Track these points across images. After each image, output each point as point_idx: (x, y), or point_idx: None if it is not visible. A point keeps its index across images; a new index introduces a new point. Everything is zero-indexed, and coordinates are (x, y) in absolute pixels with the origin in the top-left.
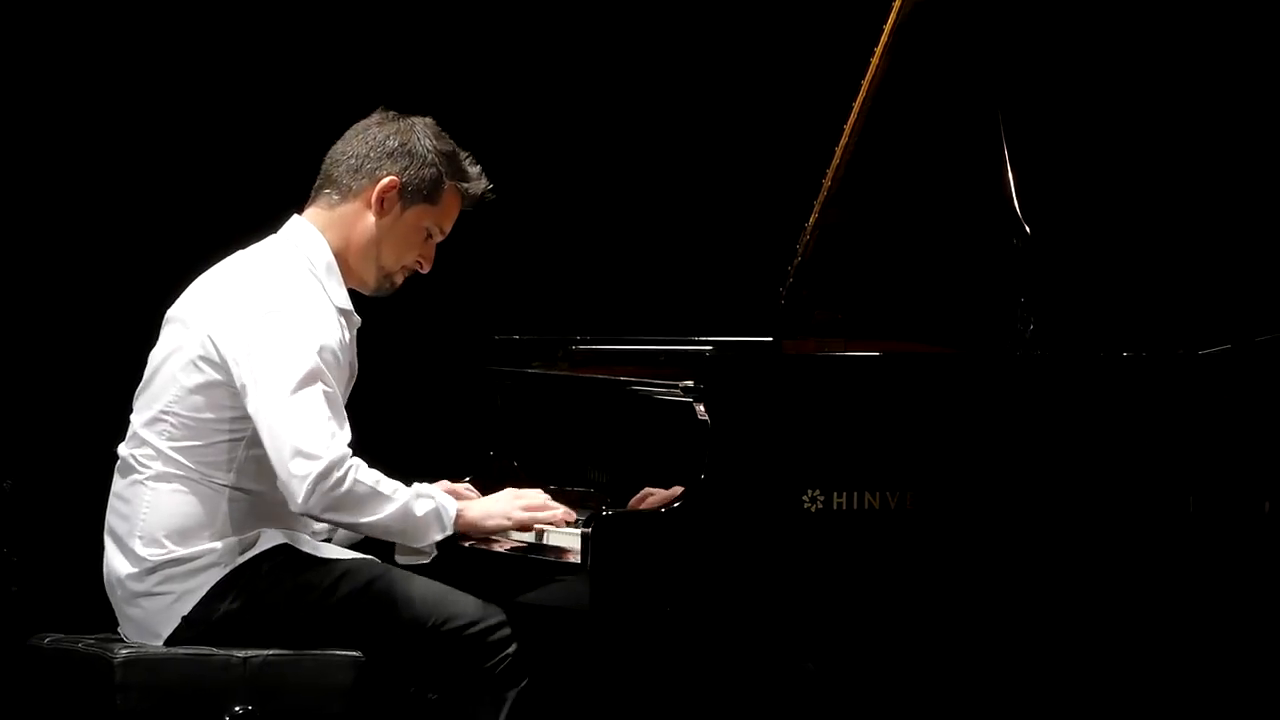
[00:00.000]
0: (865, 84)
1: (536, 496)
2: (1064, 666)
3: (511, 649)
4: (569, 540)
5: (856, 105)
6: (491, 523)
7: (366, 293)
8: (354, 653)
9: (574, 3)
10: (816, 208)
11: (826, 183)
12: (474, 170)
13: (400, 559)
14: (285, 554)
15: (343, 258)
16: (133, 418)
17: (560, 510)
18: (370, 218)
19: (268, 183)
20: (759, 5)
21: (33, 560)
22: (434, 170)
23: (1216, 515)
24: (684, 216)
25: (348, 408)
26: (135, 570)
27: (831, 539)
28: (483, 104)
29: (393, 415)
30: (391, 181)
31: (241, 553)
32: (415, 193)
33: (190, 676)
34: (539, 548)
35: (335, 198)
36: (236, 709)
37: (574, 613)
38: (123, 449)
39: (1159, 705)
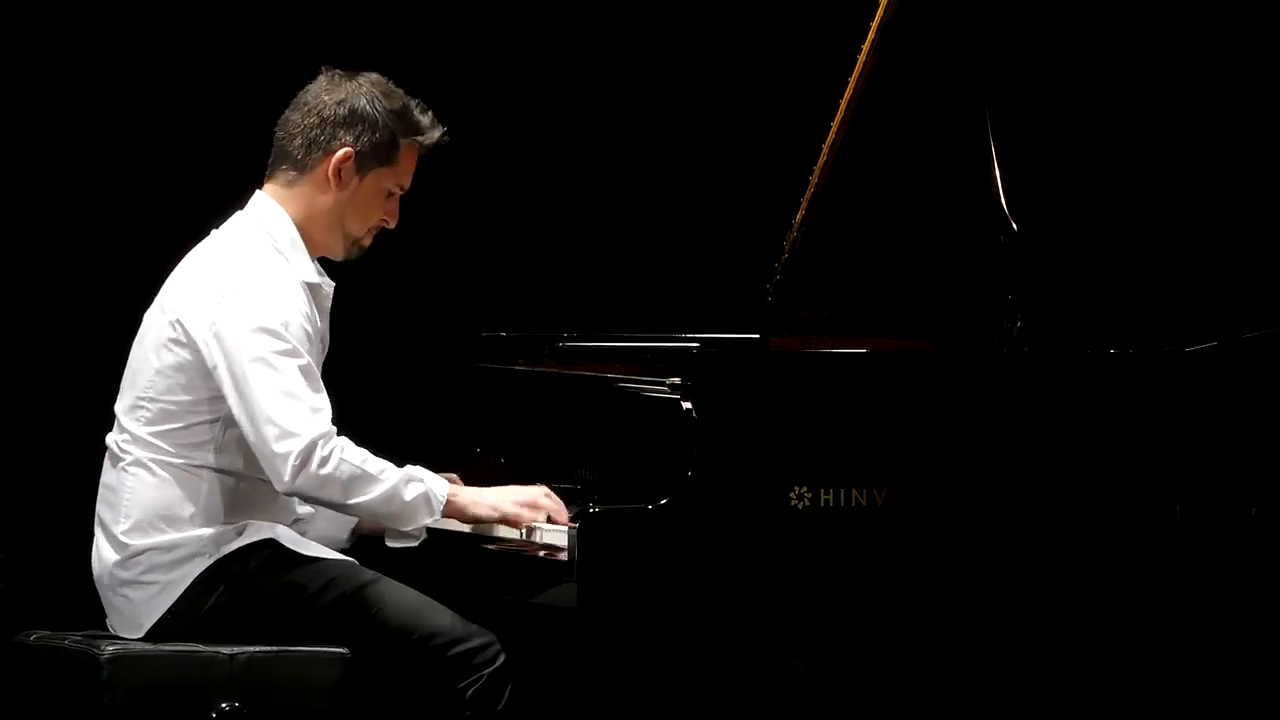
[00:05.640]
0: (852, 81)
1: (533, 495)
2: (1051, 665)
3: (490, 670)
4: (557, 537)
5: (843, 103)
6: (476, 510)
7: (337, 259)
8: (341, 649)
9: (564, 2)
10: (803, 205)
11: (813, 180)
12: (425, 120)
13: (390, 542)
14: (272, 549)
15: (306, 231)
16: (117, 406)
17: (552, 505)
18: (331, 191)
19: (235, 161)
20: (746, 3)
21: (18, 557)
22: (387, 133)
23: (1201, 513)
24: (671, 214)
25: (334, 394)
26: (120, 557)
27: (819, 536)
28: (472, 102)
29: (379, 411)
30: (346, 153)
31: (227, 543)
32: (371, 158)
33: (177, 673)
34: (527, 544)
35: (292, 173)
36: (223, 705)
37: (561, 610)
38: (109, 437)
39: (1144, 702)
